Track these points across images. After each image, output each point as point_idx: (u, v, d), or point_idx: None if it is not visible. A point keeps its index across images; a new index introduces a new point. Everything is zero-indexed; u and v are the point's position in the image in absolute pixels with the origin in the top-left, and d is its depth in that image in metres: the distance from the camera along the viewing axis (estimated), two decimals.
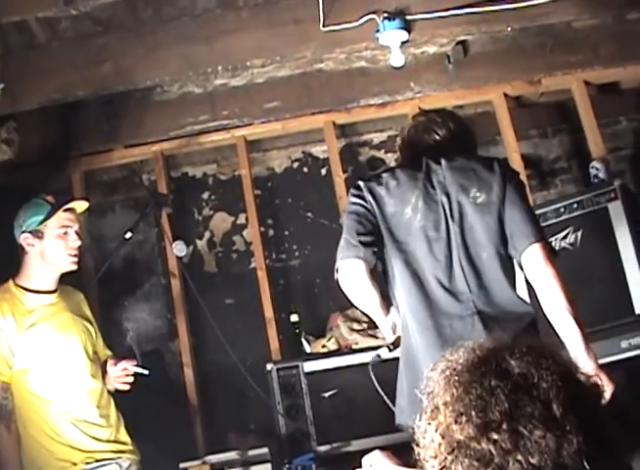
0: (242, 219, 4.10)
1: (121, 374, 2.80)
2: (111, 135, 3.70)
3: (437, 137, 2.39)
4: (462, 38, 3.48)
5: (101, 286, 3.61)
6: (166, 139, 3.83)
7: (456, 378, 0.98)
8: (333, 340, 3.51)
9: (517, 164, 3.64)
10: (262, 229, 3.96)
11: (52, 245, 2.71)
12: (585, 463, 0.88)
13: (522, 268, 2.19)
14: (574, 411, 0.91)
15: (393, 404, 2.19)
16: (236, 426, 3.65)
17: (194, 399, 3.61)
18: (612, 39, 3.65)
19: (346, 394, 3.24)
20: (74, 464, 2.61)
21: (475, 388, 0.94)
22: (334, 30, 2.99)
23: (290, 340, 3.69)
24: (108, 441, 2.71)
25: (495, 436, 0.90)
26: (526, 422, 0.90)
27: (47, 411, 2.62)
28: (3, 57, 3.04)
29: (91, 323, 2.89)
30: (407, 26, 3.03)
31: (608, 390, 1.91)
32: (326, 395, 3.24)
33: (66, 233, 2.74)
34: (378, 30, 3.01)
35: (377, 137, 4.25)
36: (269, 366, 3.32)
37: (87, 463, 2.63)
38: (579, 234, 3.27)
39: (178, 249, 3.55)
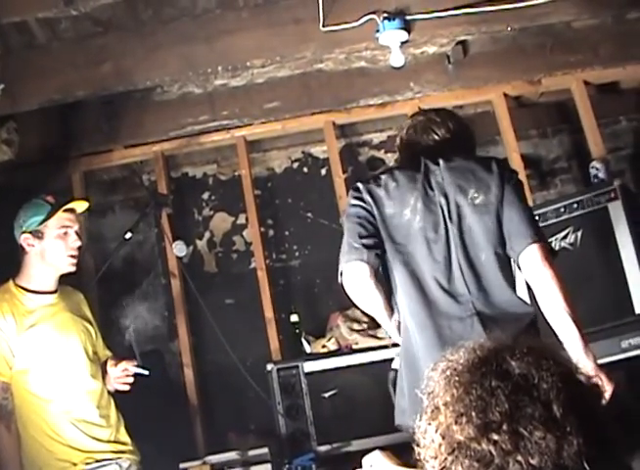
0: (242, 219, 4.10)
1: (122, 375, 2.80)
2: (111, 135, 3.70)
3: (436, 137, 2.39)
4: (462, 38, 3.47)
5: (101, 286, 3.61)
6: (166, 139, 3.84)
7: (456, 378, 0.98)
8: (333, 340, 3.51)
9: (517, 164, 3.64)
10: (262, 229, 3.96)
11: (52, 245, 2.71)
12: (585, 464, 0.88)
13: (520, 269, 2.19)
14: (575, 412, 0.91)
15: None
16: (236, 426, 3.65)
17: (194, 400, 3.61)
18: (611, 39, 3.65)
19: (346, 394, 3.24)
20: (74, 464, 2.61)
21: (475, 388, 0.94)
22: (334, 30, 2.98)
23: (290, 340, 3.69)
24: (108, 441, 2.71)
25: (495, 437, 0.90)
26: (527, 423, 0.90)
27: (47, 411, 2.62)
28: (3, 57, 3.04)
29: (91, 323, 2.89)
30: (407, 27, 3.03)
31: (608, 390, 1.91)
32: (326, 395, 3.25)
33: (66, 233, 2.74)
34: (378, 30, 3.01)
35: (377, 137, 4.25)
36: (269, 366, 3.32)
37: (87, 463, 2.63)
38: (579, 234, 3.27)
39: (178, 249, 3.55)
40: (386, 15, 2.98)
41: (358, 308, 2.40)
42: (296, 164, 4.24)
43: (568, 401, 0.91)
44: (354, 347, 3.44)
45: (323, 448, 3.18)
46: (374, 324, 3.31)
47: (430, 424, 0.98)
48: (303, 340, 3.62)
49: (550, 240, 3.12)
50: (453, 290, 2.14)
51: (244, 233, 4.11)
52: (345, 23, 2.99)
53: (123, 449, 2.74)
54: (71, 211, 2.79)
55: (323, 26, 2.97)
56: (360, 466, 1.40)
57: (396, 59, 3.14)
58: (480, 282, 2.15)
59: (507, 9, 2.98)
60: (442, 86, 3.76)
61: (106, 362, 2.86)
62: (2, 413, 2.57)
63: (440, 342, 2.07)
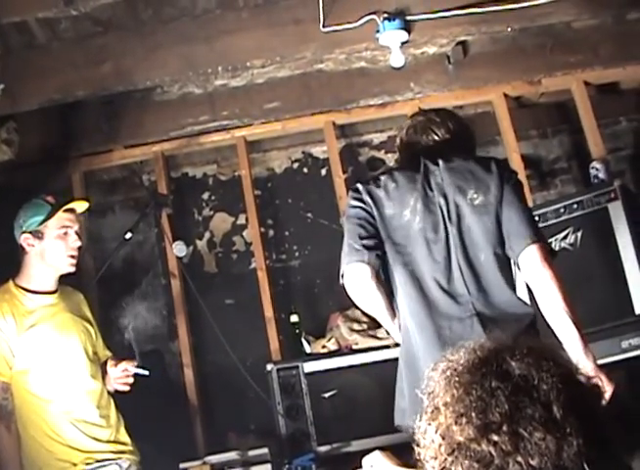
0: (242, 220, 4.10)
1: (122, 375, 2.79)
2: (111, 135, 3.70)
3: (436, 137, 2.38)
4: (462, 39, 3.47)
5: (101, 286, 3.61)
6: (166, 139, 3.83)
7: (457, 379, 0.98)
8: (333, 340, 3.51)
9: (517, 164, 3.64)
10: (262, 230, 3.96)
11: (52, 245, 2.71)
12: (585, 465, 0.88)
13: (520, 269, 2.18)
14: (575, 413, 0.91)
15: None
16: (236, 426, 3.65)
17: (194, 400, 3.61)
18: (611, 39, 3.65)
19: (346, 394, 3.24)
20: (74, 464, 2.61)
21: (475, 389, 0.94)
22: (334, 31, 2.99)
23: (290, 340, 3.69)
24: (108, 441, 2.70)
25: (495, 437, 0.90)
26: (527, 424, 0.90)
27: (47, 412, 2.62)
28: (3, 57, 3.04)
29: (91, 324, 2.89)
30: (407, 27, 3.03)
31: (608, 390, 1.91)
32: (326, 395, 3.24)
33: (66, 233, 2.74)
34: (378, 31, 3.01)
35: (377, 137, 4.25)
36: (269, 367, 3.32)
37: (87, 464, 2.62)
38: (579, 234, 3.27)
39: (178, 249, 3.54)
40: (386, 15, 2.99)
41: (358, 309, 2.40)
42: (296, 165, 4.24)
43: (568, 402, 0.91)
44: (354, 347, 3.43)
45: (323, 449, 3.18)
46: (374, 324, 3.31)
47: (430, 424, 0.98)
48: (303, 340, 3.62)
49: (550, 240, 3.13)
50: (453, 290, 2.14)
51: (244, 233, 4.11)
52: (346, 23, 2.99)
53: (123, 450, 2.74)
54: (71, 211, 2.79)
55: (323, 27, 2.97)
56: (360, 466, 1.40)
57: (396, 59, 3.14)
58: (479, 282, 2.14)
59: (507, 9, 2.98)
60: (442, 86, 3.76)
61: (106, 363, 2.86)
62: (2, 413, 2.57)
63: (440, 342, 2.07)
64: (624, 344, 3.04)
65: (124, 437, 2.78)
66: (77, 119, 3.62)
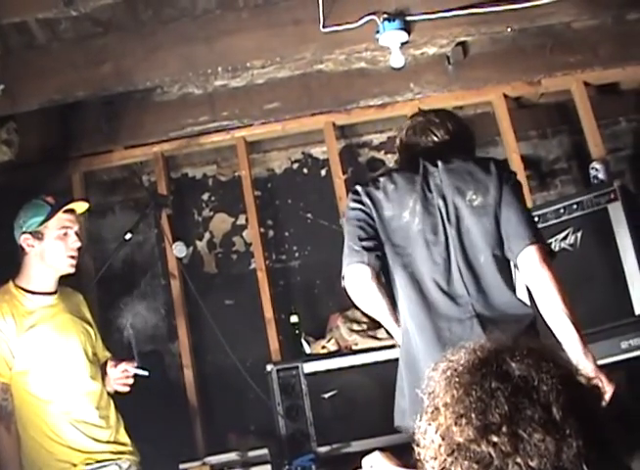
0: (242, 220, 4.10)
1: (121, 376, 2.79)
2: (110, 136, 3.70)
3: (435, 138, 2.38)
4: (462, 39, 3.47)
5: (100, 287, 3.61)
6: (166, 140, 3.83)
7: (457, 379, 0.98)
8: (333, 341, 3.51)
9: (516, 164, 3.64)
10: (262, 230, 3.96)
11: (52, 246, 2.71)
12: (585, 466, 0.88)
13: (519, 270, 2.18)
14: (574, 415, 0.91)
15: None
16: (236, 427, 3.65)
17: (194, 400, 3.61)
18: (611, 40, 3.65)
19: (346, 395, 3.24)
20: (74, 465, 2.61)
21: (475, 390, 0.94)
22: (334, 31, 2.99)
23: (290, 341, 3.69)
24: (107, 442, 2.70)
25: (495, 438, 0.90)
26: (526, 425, 0.90)
27: (47, 412, 2.62)
28: (3, 57, 3.04)
29: (90, 325, 2.89)
30: (407, 27, 3.03)
31: (608, 391, 1.91)
32: (326, 396, 3.24)
33: (65, 234, 2.74)
34: (378, 31, 3.01)
35: (377, 138, 4.25)
36: (269, 367, 3.32)
37: (87, 464, 2.62)
38: (579, 235, 3.27)
39: (178, 250, 3.55)
40: (386, 16, 2.99)
41: (358, 309, 2.40)
42: (295, 165, 4.24)
43: (567, 404, 0.91)
44: (354, 347, 3.43)
45: (323, 449, 3.18)
46: (374, 325, 3.32)
47: (430, 425, 0.98)
48: (303, 341, 3.62)
49: (550, 241, 3.13)
50: (452, 292, 2.14)
51: (243, 234, 4.11)
52: (345, 23, 2.99)
53: (123, 450, 2.74)
54: (71, 211, 2.79)
55: (323, 27, 2.97)
56: (360, 467, 1.40)
57: (396, 60, 3.14)
58: (479, 284, 2.14)
59: (507, 10, 2.98)
60: (442, 87, 3.76)
61: (105, 363, 2.86)
62: (2, 414, 2.57)
63: (440, 343, 2.07)
64: (624, 344, 3.04)
65: (124, 437, 2.78)
66: (77, 120, 3.62)
